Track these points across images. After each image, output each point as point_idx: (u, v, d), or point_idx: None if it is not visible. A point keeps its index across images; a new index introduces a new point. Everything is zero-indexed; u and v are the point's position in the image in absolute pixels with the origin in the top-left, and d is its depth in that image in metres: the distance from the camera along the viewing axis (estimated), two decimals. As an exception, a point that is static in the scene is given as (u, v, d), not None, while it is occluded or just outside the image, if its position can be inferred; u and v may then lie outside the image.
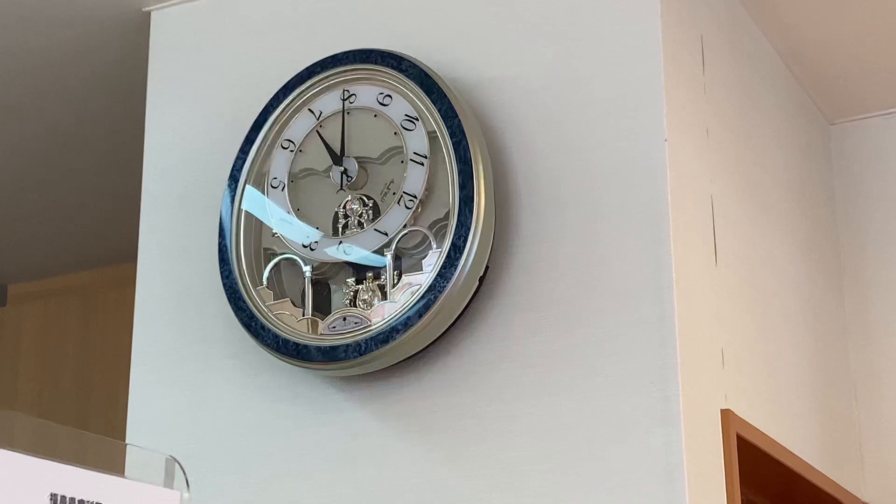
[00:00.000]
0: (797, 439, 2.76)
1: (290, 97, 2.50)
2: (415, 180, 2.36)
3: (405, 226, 2.34)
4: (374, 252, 2.36)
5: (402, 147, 2.39)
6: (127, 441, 2.49)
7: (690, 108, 2.46)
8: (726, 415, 2.36)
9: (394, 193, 2.38)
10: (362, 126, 2.45)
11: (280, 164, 2.47)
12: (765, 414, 2.61)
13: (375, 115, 2.44)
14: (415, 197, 2.35)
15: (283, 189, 2.45)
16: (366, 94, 2.45)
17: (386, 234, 2.35)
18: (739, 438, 2.39)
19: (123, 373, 2.85)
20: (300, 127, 2.49)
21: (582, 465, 2.21)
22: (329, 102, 2.48)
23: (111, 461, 1.62)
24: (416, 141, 2.38)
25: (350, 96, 2.46)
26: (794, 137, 3.10)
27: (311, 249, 2.39)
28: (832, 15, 2.93)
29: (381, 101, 2.43)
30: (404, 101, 2.40)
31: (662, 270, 2.25)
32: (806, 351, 2.94)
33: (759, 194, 2.80)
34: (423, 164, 2.36)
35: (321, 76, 2.49)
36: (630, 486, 2.17)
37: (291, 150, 2.47)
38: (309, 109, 2.48)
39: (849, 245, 3.26)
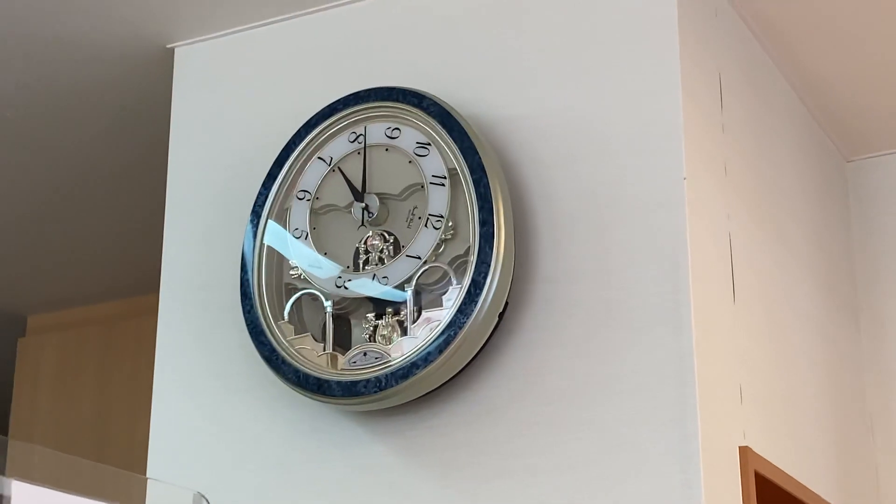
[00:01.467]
0: (815, 476, 2.76)
1: (312, 134, 2.53)
2: (438, 201, 2.38)
3: (436, 247, 2.35)
4: (397, 287, 2.38)
5: (421, 181, 2.41)
6: (148, 475, 2.51)
7: (709, 146, 2.48)
8: (745, 452, 2.36)
9: (419, 218, 2.40)
10: (378, 163, 2.47)
11: (298, 215, 2.49)
12: (782, 451, 2.61)
13: (387, 150, 2.47)
14: (441, 216, 2.37)
15: (305, 237, 2.47)
16: (374, 131, 2.48)
17: (419, 258, 2.36)
18: (757, 475, 2.40)
19: (142, 404, 2.86)
20: (314, 174, 2.51)
21: (600, 502, 2.22)
22: (339, 147, 2.50)
23: (130, 495, 1.63)
24: (433, 164, 2.40)
25: (358, 137, 2.48)
26: (811, 174, 3.11)
27: (346, 289, 2.40)
28: (848, 53, 2.95)
29: (389, 134, 2.46)
30: (413, 130, 2.43)
31: (681, 307, 2.26)
32: (823, 387, 2.94)
33: (776, 231, 2.82)
34: (443, 184, 2.38)
35: (343, 113, 2.52)
36: (648, 522, 2.17)
37: (308, 200, 2.50)
38: (319, 157, 2.51)
39: (865, 281, 3.27)
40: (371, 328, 2.39)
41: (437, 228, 2.37)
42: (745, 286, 2.55)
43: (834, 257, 3.17)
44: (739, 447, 2.37)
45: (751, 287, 2.60)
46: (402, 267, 2.38)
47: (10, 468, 1.44)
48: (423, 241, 2.37)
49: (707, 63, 2.54)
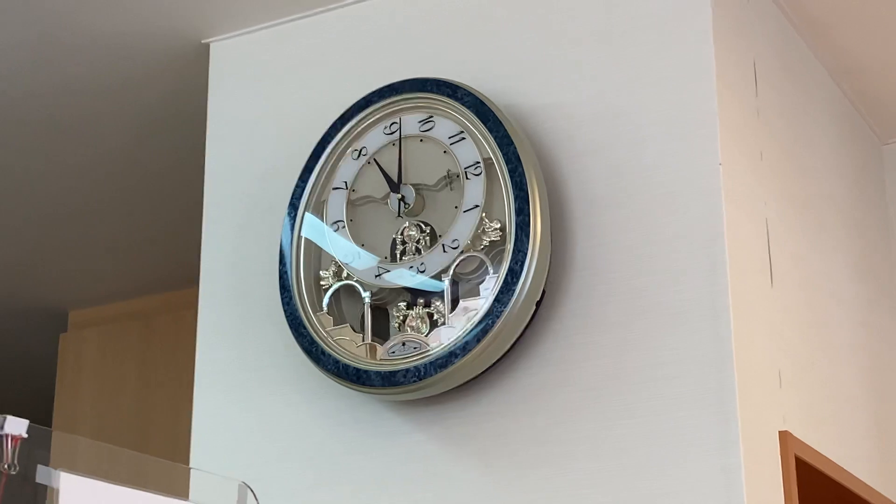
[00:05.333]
0: (855, 460, 2.76)
1: (348, 126, 2.55)
2: (467, 154, 2.40)
3: (485, 194, 2.36)
4: (433, 277, 2.38)
5: (455, 168, 2.42)
6: (191, 465, 2.53)
7: (744, 132, 2.48)
8: (784, 436, 2.36)
9: (457, 176, 2.41)
10: (413, 153, 2.49)
11: (336, 206, 2.51)
12: (822, 435, 2.61)
13: (421, 140, 2.48)
14: (478, 162, 2.38)
15: (343, 228, 2.49)
16: (408, 123, 2.49)
17: (477, 206, 2.37)
18: (798, 460, 2.39)
19: (182, 397, 2.88)
20: (350, 167, 2.53)
21: (641, 488, 2.23)
22: (374, 138, 2.52)
23: (173, 485, 1.65)
24: (467, 147, 2.43)
25: (393, 127, 2.50)
26: (847, 158, 3.10)
27: (425, 272, 2.39)
28: (884, 36, 2.93)
29: (422, 126, 2.47)
30: (447, 121, 2.45)
31: (718, 293, 2.26)
32: (862, 371, 2.93)
33: (813, 215, 2.81)
34: (464, 137, 2.40)
35: (378, 105, 2.53)
36: (689, 508, 2.18)
37: (345, 190, 2.51)
38: (354, 150, 2.52)
39: (903, 264, 3.25)
40: (401, 317, 2.41)
41: (477, 175, 2.37)
42: (782, 271, 2.55)
43: (871, 241, 3.16)
44: (779, 432, 2.37)
45: (788, 272, 2.59)
46: (464, 224, 2.37)
47: (55, 459, 1.46)
48: (473, 192, 2.38)
49: (741, 48, 2.53)
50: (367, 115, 2.54)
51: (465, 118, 2.43)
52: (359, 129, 2.54)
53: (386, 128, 2.51)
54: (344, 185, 2.52)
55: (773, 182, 2.59)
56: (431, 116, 2.47)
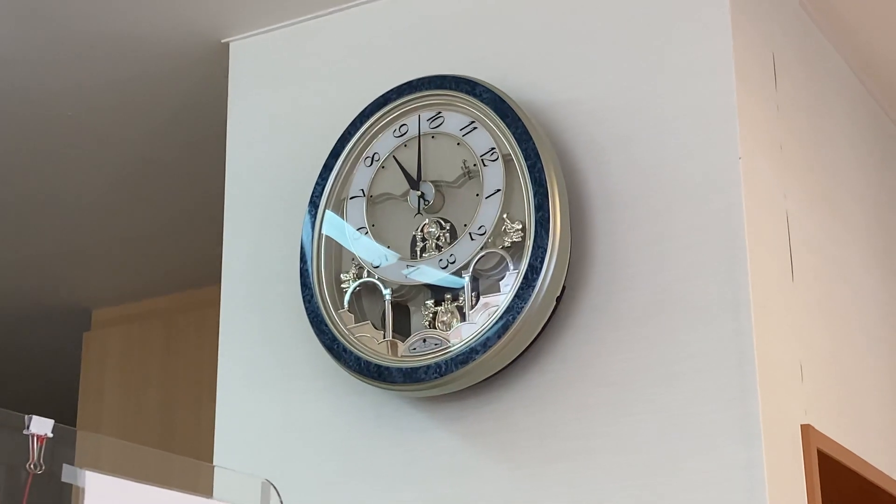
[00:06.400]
0: (878, 453, 2.75)
1: (367, 125, 2.56)
2: (480, 142, 2.41)
3: (504, 178, 2.37)
4: (454, 274, 2.39)
5: (473, 161, 2.43)
6: (215, 463, 2.55)
7: (764, 126, 2.48)
8: (806, 430, 2.36)
9: (474, 165, 2.42)
10: (429, 151, 2.49)
11: (356, 214, 2.52)
12: (844, 428, 2.60)
13: (433, 137, 2.48)
14: (493, 149, 2.40)
15: (366, 234, 2.50)
16: (416, 123, 2.50)
17: (499, 190, 2.37)
18: (820, 453, 2.39)
19: (205, 394, 2.90)
20: (365, 174, 2.54)
21: (662, 483, 2.23)
22: (386, 143, 2.53)
23: (197, 483, 1.66)
24: (455, 121, 2.44)
25: (402, 128, 2.51)
26: (868, 150, 3.09)
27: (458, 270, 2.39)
28: (903, 27, 2.93)
29: (431, 123, 2.48)
30: (456, 114, 2.45)
31: (739, 287, 2.26)
32: (884, 363, 2.93)
33: (834, 208, 2.80)
34: (476, 127, 2.42)
35: (396, 103, 2.54)
36: (711, 502, 2.18)
37: (362, 198, 2.52)
38: (367, 157, 2.53)
39: (926, 256, 3.24)
40: (430, 315, 2.41)
41: (494, 160, 2.39)
42: (803, 264, 2.55)
43: (892, 234, 3.15)
44: (801, 425, 2.37)
45: (809, 265, 2.59)
46: (488, 210, 2.38)
47: (79, 458, 1.47)
48: (492, 178, 2.39)
49: (760, 42, 2.53)
50: (385, 113, 2.55)
51: (482, 113, 2.44)
52: (373, 130, 2.55)
53: (395, 131, 2.52)
54: (361, 193, 2.53)
55: (793, 175, 2.59)
56: (440, 112, 2.48)
